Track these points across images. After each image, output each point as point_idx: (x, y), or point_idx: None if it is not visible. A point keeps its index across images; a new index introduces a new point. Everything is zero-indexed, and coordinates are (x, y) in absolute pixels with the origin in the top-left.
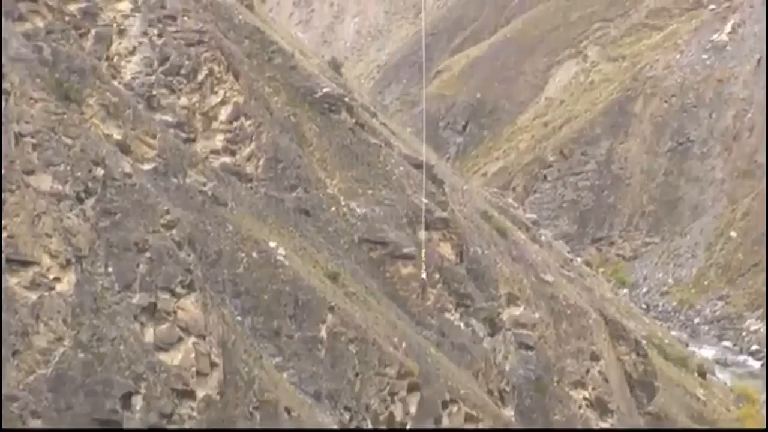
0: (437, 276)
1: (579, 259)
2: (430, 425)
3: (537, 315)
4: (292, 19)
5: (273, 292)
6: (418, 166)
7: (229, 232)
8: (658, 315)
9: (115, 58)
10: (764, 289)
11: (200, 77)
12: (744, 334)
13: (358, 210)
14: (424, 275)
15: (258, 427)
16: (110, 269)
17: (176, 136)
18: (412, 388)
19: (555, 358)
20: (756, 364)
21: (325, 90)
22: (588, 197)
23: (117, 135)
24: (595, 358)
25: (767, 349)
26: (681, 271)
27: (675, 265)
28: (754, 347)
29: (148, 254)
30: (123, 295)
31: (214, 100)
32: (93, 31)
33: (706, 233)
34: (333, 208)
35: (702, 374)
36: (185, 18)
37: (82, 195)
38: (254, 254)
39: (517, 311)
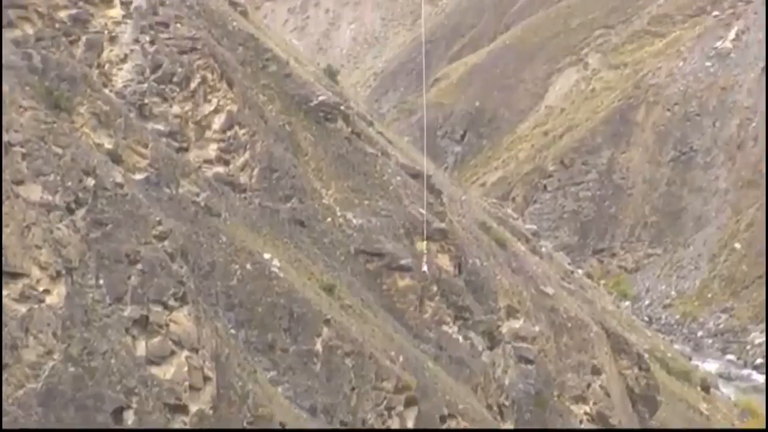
0: (435, 288)
1: (580, 271)
2: None
3: (537, 328)
4: (287, 25)
5: (267, 305)
6: (416, 175)
7: (223, 243)
8: (661, 328)
9: (107, 66)
10: None
11: (193, 85)
12: (748, 347)
13: (355, 221)
14: (425, 268)
15: None
16: (101, 281)
17: (169, 146)
18: (409, 403)
19: (555, 372)
20: (760, 378)
21: (320, 98)
22: (589, 208)
23: (108, 144)
24: (596, 372)
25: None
26: (684, 284)
27: (678, 277)
28: (759, 361)
29: (139, 266)
30: (114, 307)
31: (208, 108)
32: (84, 38)
33: (710, 244)
34: (329, 219)
35: (705, 388)
36: (178, 25)
37: (73, 205)
38: (248, 266)
39: (516, 324)
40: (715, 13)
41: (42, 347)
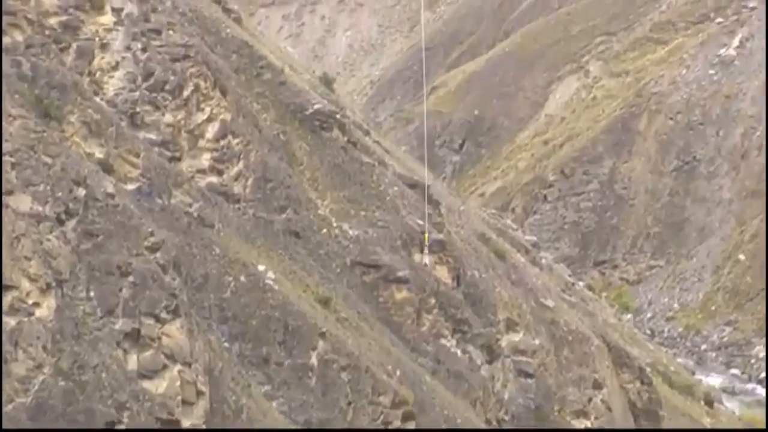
0: (433, 301)
1: (581, 283)
2: None
3: (537, 341)
4: (282, 32)
5: (262, 318)
6: (413, 185)
7: (216, 254)
8: (664, 341)
9: (98, 74)
10: None
11: (186, 93)
12: (753, 361)
13: (351, 232)
14: (426, 260)
15: None
16: (92, 294)
17: (161, 155)
18: (406, 418)
19: (556, 387)
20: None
21: (316, 107)
22: (590, 218)
23: (99, 154)
24: (597, 386)
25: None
26: (687, 296)
27: (681, 289)
28: (763, 375)
29: (131, 278)
30: (105, 320)
31: (201, 117)
32: (74, 46)
33: (713, 256)
34: (324, 230)
35: (709, 403)
36: (170, 32)
37: (63, 216)
38: (242, 278)
39: (516, 337)
40: (719, 19)
41: (32, 361)
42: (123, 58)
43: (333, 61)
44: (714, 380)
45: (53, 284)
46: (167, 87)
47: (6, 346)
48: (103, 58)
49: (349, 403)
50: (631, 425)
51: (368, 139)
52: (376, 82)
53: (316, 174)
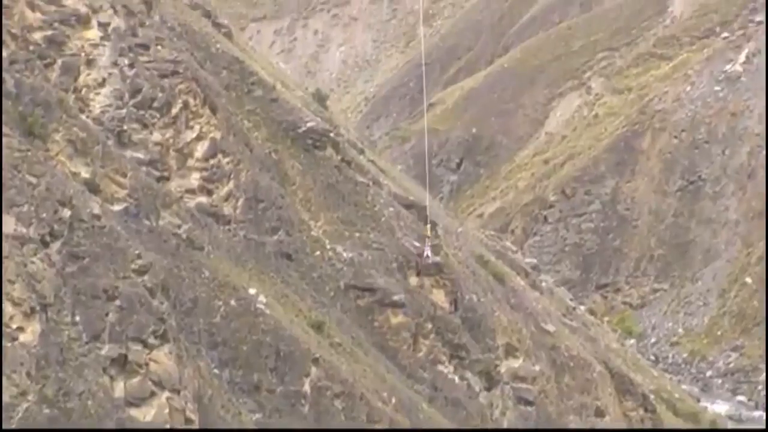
0: (429, 325)
1: (582, 307)
2: None
3: (537, 368)
4: (274, 48)
5: (253, 343)
6: (409, 206)
7: (206, 278)
8: (668, 367)
9: (83, 90)
10: None
11: (174, 111)
12: (760, 387)
13: (345, 254)
14: (428, 253)
15: None
16: (77, 318)
17: (149, 175)
18: None
19: (557, 414)
20: None
21: (308, 124)
22: (592, 240)
23: (85, 173)
24: (599, 413)
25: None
26: (692, 320)
27: (686, 313)
28: None
29: (118, 302)
30: (91, 346)
31: (190, 135)
32: (59, 61)
33: (719, 279)
34: (317, 252)
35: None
36: (158, 47)
37: (48, 238)
38: (232, 302)
39: (515, 363)
40: (725, 34)
41: (15, 388)
42: (110, 74)
43: (326, 78)
44: (720, 408)
45: (37, 308)
46: (155, 104)
47: None
48: (89, 74)
49: None
50: None
51: (363, 158)
52: (370, 99)
53: (309, 194)
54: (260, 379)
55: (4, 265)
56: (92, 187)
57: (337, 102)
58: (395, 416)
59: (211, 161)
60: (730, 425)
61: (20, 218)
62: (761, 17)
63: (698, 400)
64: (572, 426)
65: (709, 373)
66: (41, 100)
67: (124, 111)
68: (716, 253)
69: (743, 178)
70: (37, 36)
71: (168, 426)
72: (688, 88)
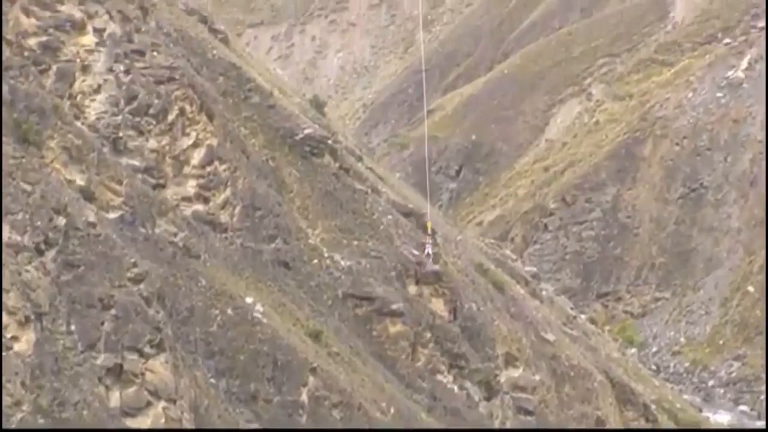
0: (428, 335)
1: (583, 316)
2: None
3: (537, 377)
4: (271, 54)
5: (250, 353)
6: (408, 214)
7: (202, 286)
8: (669, 377)
9: (79, 97)
10: None
11: (171, 117)
12: (762, 397)
13: (343, 262)
14: (428, 251)
15: None
16: (73, 327)
17: (144, 182)
18: None
19: (557, 424)
20: None
21: (306, 131)
22: (593, 248)
23: (80, 181)
24: (600, 423)
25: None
26: (694, 329)
27: (687, 322)
28: None
29: (113, 311)
30: (86, 355)
31: (186, 142)
32: (54, 68)
33: (721, 287)
34: (315, 261)
35: None
36: (154, 53)
37: (42, 246)
38: (229, 311)
39: (515, 373)
40: (727, 40)
41: (10, 397)
42: (105, 80)
43: (324, 84)
44: (722, 418)
45: (32, 317)
46: (151, 111)
47: None
48: (84, 80)
49: None
50: None
51: (361, 166)
52: (369, 105)
53: (307, 202)
54: (257, 388)
55: None
56: (87, 195)
57: (335, 108)
58: (394, 426)
59: (208, 168)
60: None
61: (15, 226)
62: (763, 23)
63: (700, 410)
64: None
65: (711, 383)
66: (36, 107)
67: (119, 118)
68: (718, 262)
69: (745, 186)
70: (32, 42)
71: None
72: (690, 95)
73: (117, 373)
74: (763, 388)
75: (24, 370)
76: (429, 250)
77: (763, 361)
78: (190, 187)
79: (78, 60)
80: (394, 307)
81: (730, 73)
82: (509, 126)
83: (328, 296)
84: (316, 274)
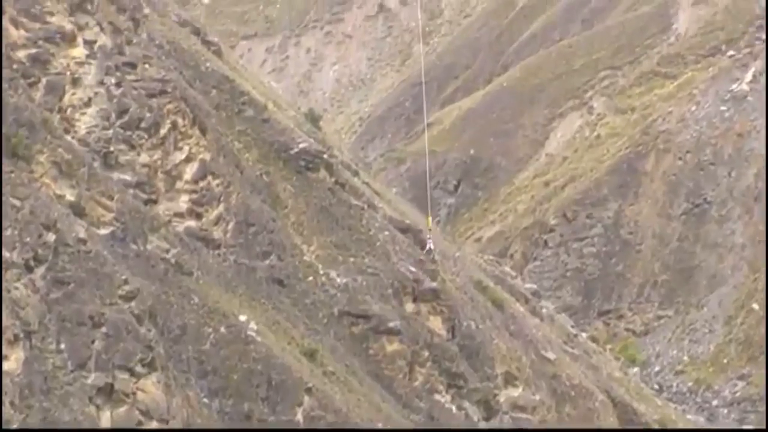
0: (426, 353)
1: (584, 335)
2: None
3: (537, 397)
4: (265, 66)
5: (243, 372)
6: (405, 230)
7: (195, 304)
8: (672, 396)
9: (69, 110)
10: None
11: (163, 131)
12: None
13: (338, 279)
14: (430, 246)
15: None
16: (62, 346)
17: (136, 197)
18: None
19: None
20: None
21: (301, 146)
22: (594, 265)
23: (70, 196)
24: None
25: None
26: (697, 348)
27: (691, 340)
28: None
29: (104, 329)
30: (76, 374)
31: (178, 156)
32: (44, 80)
33: (725, 305)
34: (310, 278)
35: None
36: (146, 66)
37: (32, 263)
38: (222, 329)
39: (515, 392)
40: (731, 52)
41: None
42: (96, 93)
43: (319, 97)
44: None
45: (21, 335)
46: (143, 124)
47: None
48: (74, 93)
49: None
50: None
51: (357, 181)
52: (365, 119)
53: (302, 218)
54: (251, 408)
55: None
56: (78, 211)
57: (330, 122)
58: None
59: (201, 183)
60: None
61: (3, 242)
62: None
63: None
64: None
65: (714, 403)
66: (25, 121)
67: (110, 132)
68: (722, 279)
69: (750, 201)
70: (21, 54)
71: None
72: (693, 108)
73: (108, 392)
74: None
75: (13, 390)
76: (430, 245)
77: None
78: (183, 202)
79: (68, 73)
80: (390, 325)
81: (734, 86)
82: (508, 140)
83: (323, 314)
84: (311, 291)
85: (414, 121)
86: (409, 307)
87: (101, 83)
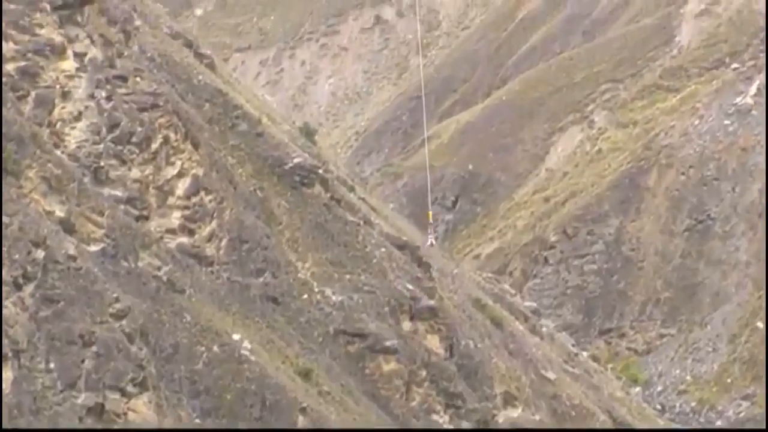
0: (423, 373)
1: (585, 354)
2: None
3: (537, 417)
4: (259, 79)
5: (237, 391)
6: (402, 246)
7: (187, 322)
8: (675, 417)
9: (59, 124)
10: None
11: (154, 146)
12: None
13: (334, 297)
14: (432, 241)
15: None
16: (52, 365)
17: (127, 214)
18: None
19: None
20: None
21: (296, 160)
22: (595, 283)
23: (60, 212)
24: None
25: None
26: (701, 367)
27: (694, 360)
28: None
29: (94, 348)
30: (66, 394)
31: (170, 172)
32: (33, 94)
33: (729, 323)
34: (305, 296)
35: None
36: (137, 79)
37: (21, 280)
38: (215, 348)
39: (514, 413)
40: (735, 65)
41: None
42: (86, 107)
43: (315, 111)
44: None
45: (10, 355)
46: (134, 139)
47: None
48: (64, 107)
49: None
50: None
51: (353, 196)
52: (361, 133)
53: (296, 234)
54: (245, 429)
55: None
56: (67, 227)
57: (325, 137)
58: None
59: (193, 199)
60: None
61: None
62: None
63: None
64: None
65: (718, 423)
66: (14, 135)
67: (101, 146)
68: (726, 297)
69: (754, 217)
70: (10, 67)
71: None
72: (697, 122)
73: (98, 412)
74: None
75: (1, 410)
76: (432, 240)
77: None
78: (175, 218)
79: (58, 86)
80: (387, 343)
81: (738, 99)
82: (508, 155)
83: (318, 333)
84: (306, 309)
85: (411, 135)
86: (406, 325)
87: (92, 97)
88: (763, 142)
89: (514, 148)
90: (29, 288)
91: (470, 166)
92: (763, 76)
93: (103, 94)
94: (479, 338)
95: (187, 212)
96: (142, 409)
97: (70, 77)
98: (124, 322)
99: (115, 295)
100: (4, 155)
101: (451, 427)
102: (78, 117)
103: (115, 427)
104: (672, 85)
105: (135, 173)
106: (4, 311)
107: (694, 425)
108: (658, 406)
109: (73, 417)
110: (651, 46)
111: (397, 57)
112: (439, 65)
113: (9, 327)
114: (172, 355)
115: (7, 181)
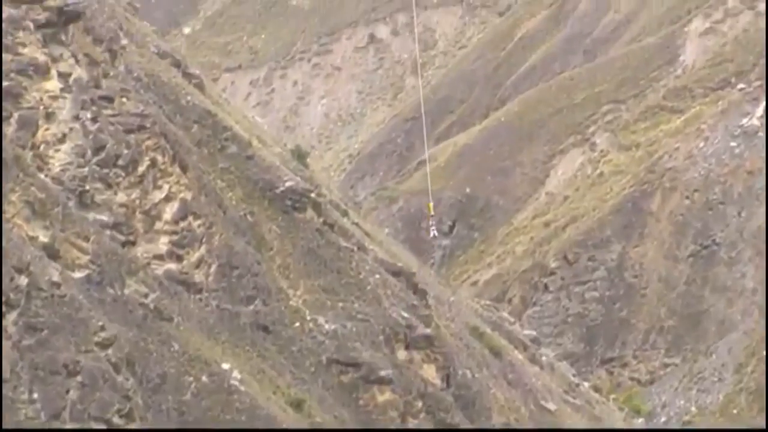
0: (419, 403)
1: (586, 384)
2: None
3: None
4: (250, 100)
5: (226, 423)
6: (397, 273)
7: (175, 351)
8: None
9: (42, 147)
10: None
11: (141, 169)
12: None
13: (327, 326)
14: (434, 233)
15: None
16: (35, 395)
17: (113, 239)
18: None
19: None
20: None
21: (287, 184)
22: (596, 310)
23: (44, 237)
24: None
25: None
26: (706, 398)
27: (699, 390)
28: None
29: (79, 378)
30: (50, 425)
31: (158, 196)
32: (16, 115)
33: (735, 352)
34: (297, 324)
35: None
36: (124, 99)
37: (3, 308)
38: (204, 378)
39: None
40: (741, 85)
41: None
42: (71, 129)
43: (307, 133)
44: None
45: None
46: (120, 162)
47: None
48: (48, 129)
49: None
50: None
51: (346, 221)
52: (355, 156)
53: (288, 260)
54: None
55: None
56: (51, 253)
57: (318, 159)
58: None
59: (181, 224)
60: None
61: None
62: None
63: None
64: None
65: None
66: None
67: (86, 169)
68: (732, 325)
69: (761, 243)
70: None
71: None
72: (701, 144)
73: None
74: None
75: None
76: (434, 232)
77: None
78: (162, 244)
79: (41, 107)
80: (382, 373)
81: (744, 120)
82: (506, 178)
83: (311, 362)
84: (298, 338)
85: (406, 158)
86: (402, 354)
87: (76, 118)
88: None
89: (512, 171)
90: (12, 316)
91: (468, 190)
92: None
93: (89, 115)
94: (477, 368)
95: (174, 237)
96: None
97: (55, 98)
98: (110, 351)
99: (100, 323)
100: None
101: None
102: (62, 139)
103: None
104: (676, 106)
105: (121, 197)
106: None
107: None
108: None
109: None
110: (654, 65)
111: (392, 77)
112: (436, 85)
113: None
114: (159, 385)
115: None
